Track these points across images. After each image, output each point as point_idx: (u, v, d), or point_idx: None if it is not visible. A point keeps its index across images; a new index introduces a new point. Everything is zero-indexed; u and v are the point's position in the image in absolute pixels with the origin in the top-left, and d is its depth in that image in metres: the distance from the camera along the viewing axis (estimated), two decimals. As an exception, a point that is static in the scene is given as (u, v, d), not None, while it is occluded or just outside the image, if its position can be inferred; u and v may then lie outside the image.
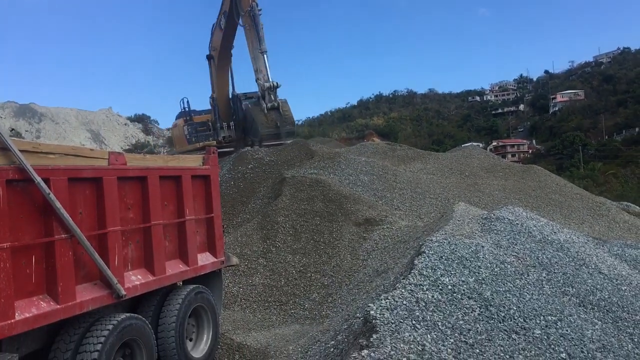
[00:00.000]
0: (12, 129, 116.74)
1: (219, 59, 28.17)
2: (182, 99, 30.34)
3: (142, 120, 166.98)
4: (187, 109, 30.38)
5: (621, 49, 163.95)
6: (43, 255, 5.50)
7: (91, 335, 5.88)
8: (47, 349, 5.87)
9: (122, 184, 6.66)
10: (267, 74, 25.20)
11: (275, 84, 25.44)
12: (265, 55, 25.16)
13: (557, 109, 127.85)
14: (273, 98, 25.61)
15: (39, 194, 5.42)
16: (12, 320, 4.96)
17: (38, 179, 5.33)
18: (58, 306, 5.49)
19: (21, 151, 5.25)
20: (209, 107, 30.35)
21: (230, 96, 29.06)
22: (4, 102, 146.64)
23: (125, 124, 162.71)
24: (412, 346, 5.83)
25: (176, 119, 31.55)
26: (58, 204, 5.51)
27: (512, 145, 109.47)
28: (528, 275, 8.67)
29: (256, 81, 26.03)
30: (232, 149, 27.09)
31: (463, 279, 7.71)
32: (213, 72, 28.74)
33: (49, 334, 5.88)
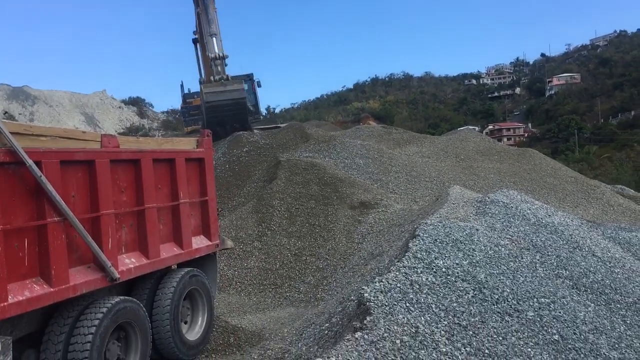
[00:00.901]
0: (5, 112, 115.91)
1: (202, 42, 27.85)
2: (181, 83, 30.27)
3: (136, 103, 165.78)
4: (186, 92, 30.28)
5: (618, 32, 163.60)
6: (36, 238, 5.48)
7: (85, 319, 5.88)
8: (41, 332, 5.87)
9: (115, 166, 6.63)
10: (214, 48, 24.34)
11: (220, 54, 24.28)
12: (214, 39, 24.47)
13: (553, 92, 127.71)
14: (220, 70, 24.44)
15: (31, 176, 5.39)
16: (5, 303, 4.95)
17: (30, 161, 5.29)
18: (51, 289, 5.48)
19: (12, 133, 5.20)
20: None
21: None
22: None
23: (120, 107, 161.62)
24: (405, 328, 5.86)
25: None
26: (50, 187, 5.48)
27: (508, 129, 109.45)
28: (522, 258, 8.71)
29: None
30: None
31: (457, 261, 7.73)
32: (199, 55, 28.47)
33: (43, 317, 5.88)
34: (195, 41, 28.69)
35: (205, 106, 24.42)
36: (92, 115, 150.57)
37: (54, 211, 5.60)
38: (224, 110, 24.20)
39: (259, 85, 29.92)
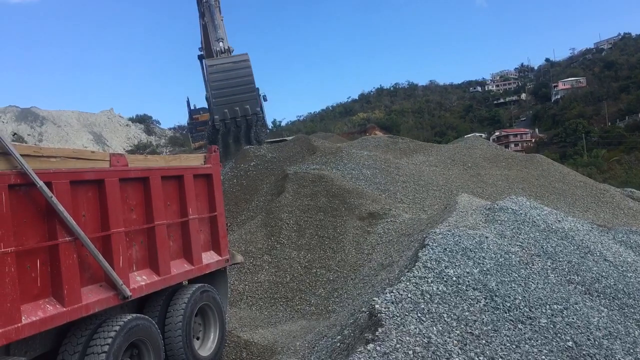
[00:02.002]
0: (15, 133, 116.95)
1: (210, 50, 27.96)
2: (187, 99, 30.50)
3: (143, 120, 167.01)
4: (192, 108, 30.47)
5: (622, 34, 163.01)
6: (48, 259, 5.52)
7: (98, 337, 5.90)
8: (55, 352, 5.89)
9: (124, 185, 6.68)
10: (220, 44, 24.63)
11: (225, 47, 24.64)
12: (221, 43, 24.78)
13: (559, 96, 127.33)
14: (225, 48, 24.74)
15: (42, 197, 5.44)
16: (19, 324, 4.98)
17: (40, 183, 5.35)
18: (64, 309, 5.51)
19: (22, 155, 5.27)
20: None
21: None
22: (6, 107, 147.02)
23: (127, 125, 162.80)
24: (417, 339, 5.84)
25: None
26: (61, 207, 5.53)
27: (515, 135, 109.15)
28: (533, 265, 8.66)
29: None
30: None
31: (468, 270, 7.71)
32: (205, 72, 28.56)
33: (56, 336, 5.91)
34: (200, 57, 28.95)
35: (211, 85, 23.80)
36: (100, 134, 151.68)
37: (65, 231, 5.64)
38: (230, 86, 23.60)
39: (265, 100, 29.97)
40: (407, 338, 5.78)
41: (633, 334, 7.45)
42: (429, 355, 5.61)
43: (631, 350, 6.99)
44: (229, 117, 23.80)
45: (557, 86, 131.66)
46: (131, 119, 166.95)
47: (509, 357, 6.02)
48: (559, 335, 6.78)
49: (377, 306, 6.31)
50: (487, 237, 9.12)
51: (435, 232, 9.02)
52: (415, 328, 6.02)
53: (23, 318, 5.05)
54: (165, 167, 7.66)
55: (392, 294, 6.64)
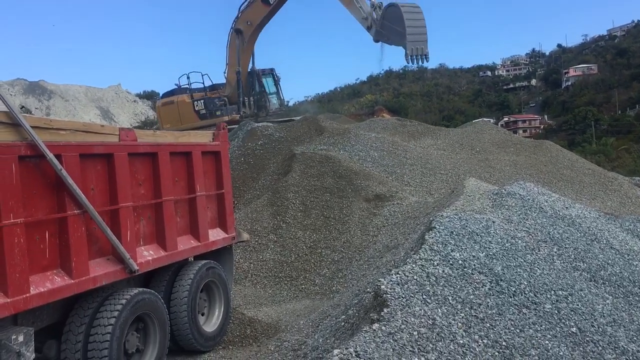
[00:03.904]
0: (22, 106, 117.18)
1: (252, 34, 27.80)
2: (187, 75, 29.82)
3: (151, 97, 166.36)
4: (189, 86, 30.04)
5: (635, 22, 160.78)
6: (56, 231, 5.57)
7: (105, 310, 5.96)
8: (62, 323, 5.96)
9: (133, 160, 6.69)
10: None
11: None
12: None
13: (569, 83, 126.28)
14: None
15: (51, 170, 5.46)
16: (27, 295, 5.04)
17: (50, 155, 5.36)
18: (72, 281, 5.57)
19: (33, 127, 5.27)
20: (201, 84, 29.92)
21: (250, 71, 29.09)
22: (14, 80, 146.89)
23: (135, 101, 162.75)
24: (422, 320, 5.86)
25: (167, 97, 30.67)
26: (70, 180, 5.55)
27: (524, 121, 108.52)
28: (539, 251, 8.65)
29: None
30: (235, 125, 26.66)
31: (474, 254, 7.71)
32: (239, 46, 28.48)
33: (63, 308, 5.98)
34: (238, 31, 28.15)
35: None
36: (107, 109, 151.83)
37: (74, 204, 5.67)
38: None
39: (279, 79, 30.26)
40: (412, 319, 5.81)
41: (637, 322, 7.46)
42: (434, 337, 5.64)
43: (635, 338, 7.00)
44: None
45: (568, 72, 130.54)
46: (139, 95, 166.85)
47: (513, 341, 6.04)
48: (563, 321, 6.79)
49: (382, 287, 6.32)
50: (494, 222, 9.10)
51: (442, 215, 9.00)
52: (421, 309, 6.04)
53: (31, 289, 5.10)
54: (174, 143, 7.66)
55: (397, 275, 6.65)
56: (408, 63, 24.49)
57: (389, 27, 23.53)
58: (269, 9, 26.90)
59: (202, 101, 28.95)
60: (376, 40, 24.61)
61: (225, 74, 28.88)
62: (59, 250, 5.57)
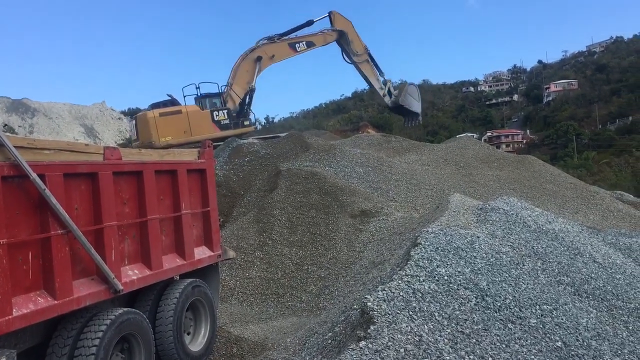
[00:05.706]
0: (5, 125, 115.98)
1: (267, 62, 30.07)
2: (197, 85, 29.74)
3: (135, 114, 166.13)
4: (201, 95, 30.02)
5: (614, 38, 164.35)
6: (40, 251, 5.50)
7: (89, 331, 5.88)
8: (45, 345, 5.87)
9: (117, 178, 6.66)
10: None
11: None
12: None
13: (550, 98, 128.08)
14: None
15: (35, 190, 5.41)
16: (10, 317, 4.96)
17: (33, 175, 5.32)
18: (55, 302, 5.49)
19: (16, 147, 5.24)
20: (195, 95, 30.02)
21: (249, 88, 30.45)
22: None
23: (119, 118, 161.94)
24: (409, 337, 5.87)
25: (161, 107, 29.97)
26: (54, 200, 5.50)
27: (507, 136, 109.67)
28: (523, 265, 8.72)
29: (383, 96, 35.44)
30: (220, 143, 26.22)
31: (459, 269, 7.75)
32: (255, 68, 29.86)
33: (46, 329, 5.89)
34: (258, 59, 29.82)
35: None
36: (91, 127, 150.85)
37: (58, 224, 5.62)
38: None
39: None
40: (399, 336, 5.81)
41: (621, 335, 7.53)
42: (420, 354, 5.65)
43: (619, 352, 7.07)
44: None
45: (549, 88, 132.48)
46: (123, 112, 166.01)
47: (499, 356, 6.07)
48: (548, 335, 6.83)
49: (369, 304, 6.33)
50: (478, 237, 9.17)
51: (427, 231, 9.05)
52: (407, 326, 6.05)
53: (14, 310, 5.03)
54: (159, 161, 7.64)
55: (384, 291, 6.67)
56: (405, 124, 39.70)
57: (409, 99, 35.73)
58: (295, 54, 30.70)
59: (225, 111, 28.59)
60: (391, 108, 37.03)
61: (229, 90, 29.37)
62: (43, 271, 5.50)
